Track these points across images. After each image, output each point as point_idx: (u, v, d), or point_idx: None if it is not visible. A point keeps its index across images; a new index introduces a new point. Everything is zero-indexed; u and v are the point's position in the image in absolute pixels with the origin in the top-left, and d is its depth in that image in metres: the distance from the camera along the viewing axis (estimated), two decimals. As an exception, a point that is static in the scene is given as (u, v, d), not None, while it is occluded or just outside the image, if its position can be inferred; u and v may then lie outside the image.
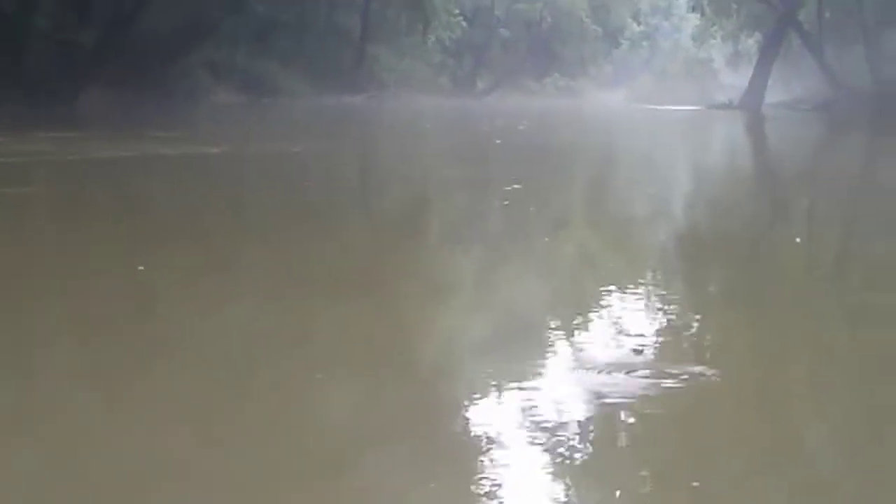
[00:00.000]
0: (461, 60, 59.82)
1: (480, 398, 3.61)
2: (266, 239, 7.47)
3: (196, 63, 33.91)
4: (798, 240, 8.29)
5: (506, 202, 9.79)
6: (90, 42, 27.30)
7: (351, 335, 4.55)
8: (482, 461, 2.98)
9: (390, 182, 13.08)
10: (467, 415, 3.46)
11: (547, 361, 4.12)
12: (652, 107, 47.99)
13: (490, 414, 3.44)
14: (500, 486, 2.80)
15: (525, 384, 3.70)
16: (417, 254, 7.31)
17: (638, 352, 4.18)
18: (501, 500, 2.73)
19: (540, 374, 3.91)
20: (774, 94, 47.75)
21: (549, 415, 3.38)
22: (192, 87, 32.95)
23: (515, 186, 10.92)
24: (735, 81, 52.79)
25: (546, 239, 7.94)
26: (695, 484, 2.91)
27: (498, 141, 20.77)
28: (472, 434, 3.26)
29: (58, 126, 18.52)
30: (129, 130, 19.12)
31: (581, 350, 4.31)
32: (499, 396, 3.59)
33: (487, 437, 3.17)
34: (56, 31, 26.35)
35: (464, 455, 3.07)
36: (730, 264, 6.89)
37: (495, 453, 3.04)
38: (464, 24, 55.73)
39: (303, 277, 5.89)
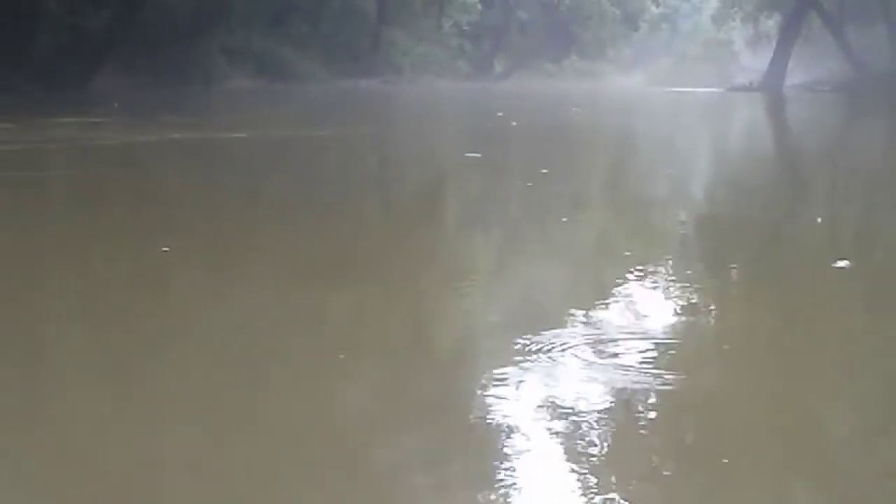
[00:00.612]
0: (478, 44, 59.39)
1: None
2: (295, 222, 7.40)
3: (210, 47, 33.66)
4: (819, 220, 8.17)
5: (529, 184, 9.76)
6: (102, 26, 27.00)
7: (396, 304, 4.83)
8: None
9: (415, 165, 12.92)
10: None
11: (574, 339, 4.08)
12: (672, 90, 47.51)
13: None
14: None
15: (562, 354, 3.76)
16: (447, 236, 7.36)
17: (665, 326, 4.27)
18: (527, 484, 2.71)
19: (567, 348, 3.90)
20: (795, 76, 47.24)
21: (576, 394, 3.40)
22: (206, 71, 32.69)
23: (543, 171, 10.70)
24: (755, 63, 52.26)
25: (564, 219, 7.85)
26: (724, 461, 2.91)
27: (514, 123, 20.48)
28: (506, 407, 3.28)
29: (70, 111, 18.37)
30: (142, 116, 18.95)
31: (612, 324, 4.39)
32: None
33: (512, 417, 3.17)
34: (67, 15, 26.07)
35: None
36: (752, 245, 6.78)
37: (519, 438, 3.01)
38: (480, 6, 55.27)
39: (340, 258, 5.96)
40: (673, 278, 5.50)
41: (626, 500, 2.57)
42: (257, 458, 2.89)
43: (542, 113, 24.94)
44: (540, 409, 3.24)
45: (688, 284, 5.33)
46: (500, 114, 22.62)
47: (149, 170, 11.29)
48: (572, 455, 2.89)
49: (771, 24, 53.40)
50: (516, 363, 3.69)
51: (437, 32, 49.86)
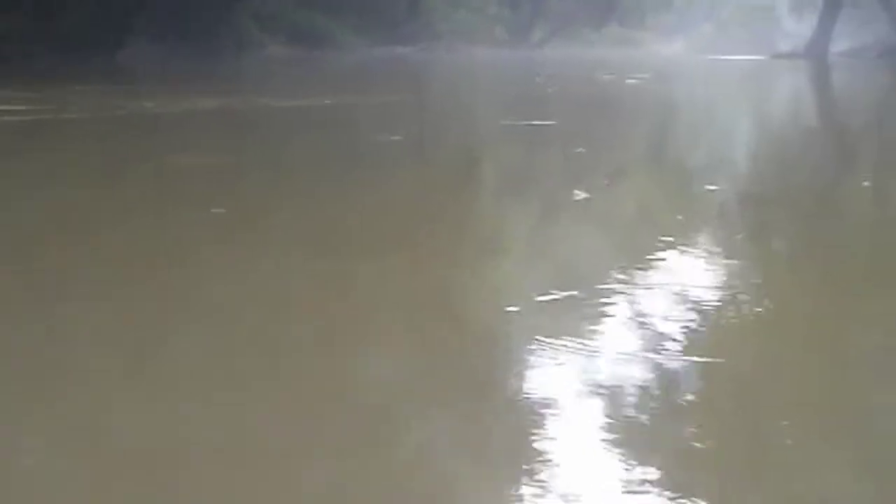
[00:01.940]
0: (517, 10, 58.79)
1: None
2: (330, 189, 7.30)
3: (242, 15, 33.32)
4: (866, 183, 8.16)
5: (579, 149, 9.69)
6: None
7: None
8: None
9: (454, 133, 12.60)
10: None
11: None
12: (713, 57, 46.78)
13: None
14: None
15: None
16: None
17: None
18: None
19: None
20: (840, 43, 46.37)
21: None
22: (238, 39, 32.34)
23: (579, 150, 10.37)
24: (799, 30, 51.44)
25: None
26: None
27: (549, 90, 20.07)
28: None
29: (97, 80, 18.17)
30: (174, 85, 18.73)
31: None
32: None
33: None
34: None
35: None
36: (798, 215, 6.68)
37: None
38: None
39: (378, 226, 5.95)
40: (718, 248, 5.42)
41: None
42: (280, 428, 2.88)
43: (595, 86, 24.42)
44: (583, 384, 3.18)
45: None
46: (537, 78, 22.23)
47: (180, 139, 11.05)
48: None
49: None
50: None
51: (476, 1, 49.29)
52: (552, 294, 4.23)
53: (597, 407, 3.00)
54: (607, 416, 2.92)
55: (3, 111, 12.49)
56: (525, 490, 2.47)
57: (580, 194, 7.21)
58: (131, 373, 3.36)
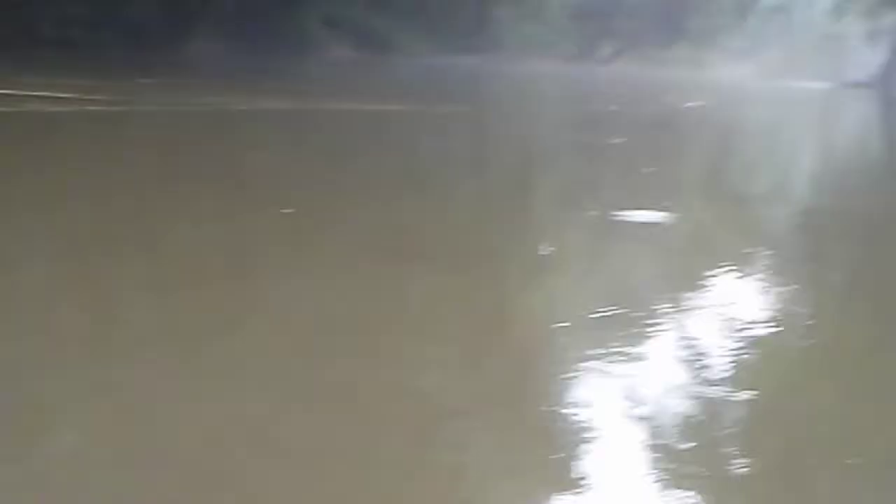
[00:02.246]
0: (584, 26, 58.51)
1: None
2: (392, 198, 7.33)
3: (310, 16, 33.40)
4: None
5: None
6: None
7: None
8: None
9: (518, 149, 12.49)
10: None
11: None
12: (782, 83, 46.14)
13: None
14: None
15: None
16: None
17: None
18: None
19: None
20: (913, 75, 45.48)
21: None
22: (304, 41, 32.42)
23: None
24: (871, 59, 50.59)
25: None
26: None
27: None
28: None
29: (163, 72, 18.31)
30: (242, 82, 18.82)
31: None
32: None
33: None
34: None
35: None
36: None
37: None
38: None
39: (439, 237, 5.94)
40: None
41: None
42: (319, 428, 2.93)
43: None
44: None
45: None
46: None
47: (245, 138, 11.08)
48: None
49: (890, 20, 51.59)
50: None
51: (544, 12, 49.07)
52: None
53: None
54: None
55: (70, 100, 12.61)
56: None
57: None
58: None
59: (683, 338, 4.03)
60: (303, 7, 32.66)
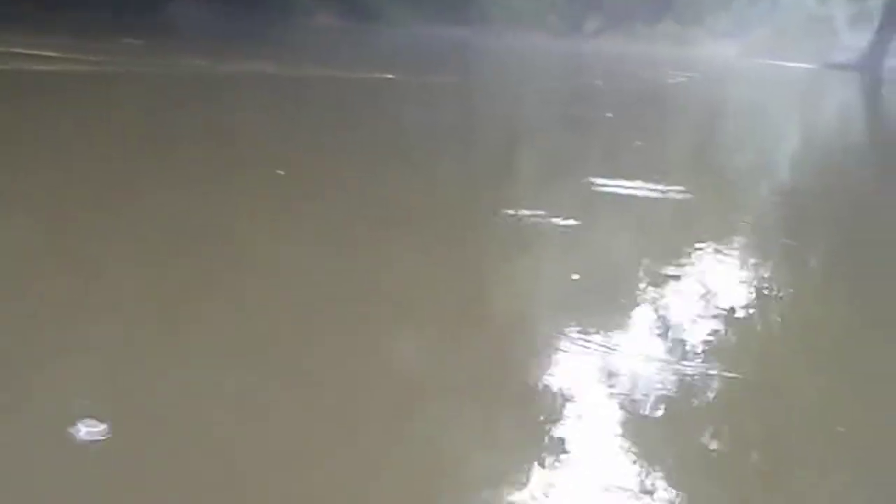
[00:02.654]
0: (572, 1, 58.33)
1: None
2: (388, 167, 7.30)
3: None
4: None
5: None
6: None
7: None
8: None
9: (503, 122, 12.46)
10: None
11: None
12: (766, 62, 46.18)
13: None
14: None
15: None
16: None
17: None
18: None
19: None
20: (897, 58, 45.56)
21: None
22: (289, 6, 32.11)
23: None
24: (856, 42, 50.63)
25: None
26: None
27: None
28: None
29: (146, 34, 18.14)
30: (225, 45, 18.69)
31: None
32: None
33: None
34: None
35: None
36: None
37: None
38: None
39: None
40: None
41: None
42: (302, 397, 2.93)
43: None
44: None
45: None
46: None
47: (230, 101, 11.01)
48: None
49: (875, 2, 51.63)
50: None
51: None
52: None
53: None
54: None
55: (53, 59, 12.49)
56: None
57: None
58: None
59: (660, 312, 4.05)
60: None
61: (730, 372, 3.38)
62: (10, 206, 5.03)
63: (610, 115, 13.63)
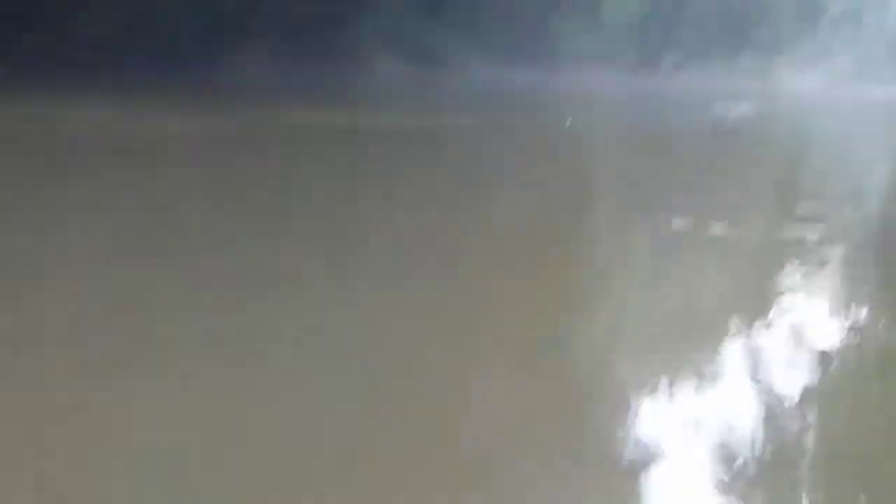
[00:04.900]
0: (647, 35, 57.54)
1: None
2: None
3: (360, 29, 32.69)
4: None
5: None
6: (238, 2, 25.55)
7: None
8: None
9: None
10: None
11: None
12: (853, 90, 44.82)
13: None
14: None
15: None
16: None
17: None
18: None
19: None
20: None
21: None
22: (355, 54, 31.67)
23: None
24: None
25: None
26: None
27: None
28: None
29: (207, 89, 17.75)
30: (291, 97, 18.23)
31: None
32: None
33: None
34: None
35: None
36: None
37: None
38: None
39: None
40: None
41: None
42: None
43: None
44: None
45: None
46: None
47: (295, 156, 10.58)
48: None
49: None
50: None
51: (605, 22, 48.03)
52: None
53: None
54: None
55: (102, 124, 12.05)
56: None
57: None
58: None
59: (750, 357, 3.98)
60: (352, 20, 32.01)
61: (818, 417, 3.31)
62: (66, 262, 5.18)
63: (683, 151, 13.00)
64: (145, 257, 5.41)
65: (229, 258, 5.44)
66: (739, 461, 2.93)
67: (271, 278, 5.08)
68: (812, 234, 6.72)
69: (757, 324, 4.44)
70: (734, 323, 4.47)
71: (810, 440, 3.17)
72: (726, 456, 2.97)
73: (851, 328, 4.49)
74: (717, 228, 6.86)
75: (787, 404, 3.43)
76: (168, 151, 10.36)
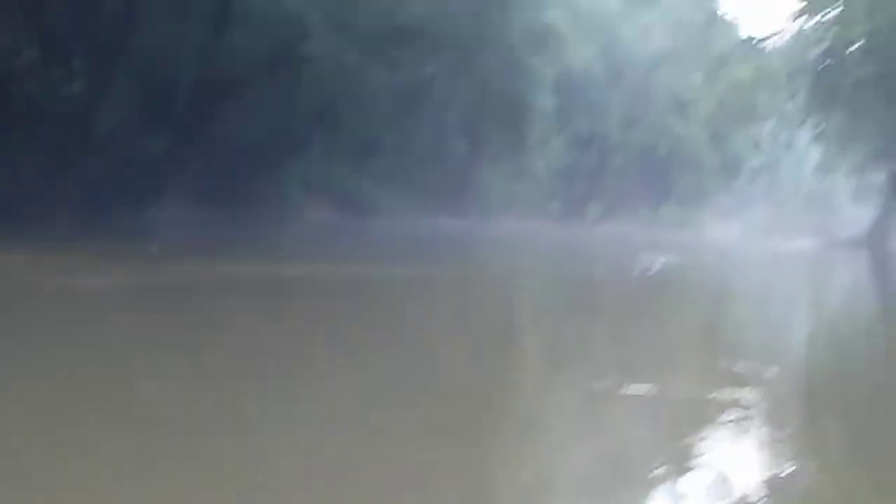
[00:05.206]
0: (572, 186, 58.71)
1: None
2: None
3: (286, 177, 32.97)
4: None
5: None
6: (161, 149, 25.50)
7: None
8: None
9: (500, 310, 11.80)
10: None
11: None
12: (771, 242, 45.98)
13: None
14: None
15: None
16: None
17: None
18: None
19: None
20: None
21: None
22: (281, 203, 31.93)
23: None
24: (859, 217, 50.55)
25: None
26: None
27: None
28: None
29: (127, 243, 17.64)
30: (218, 247, 18.14)
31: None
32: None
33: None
34: (120, 138, 24.65)
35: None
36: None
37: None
38: (575, 149, 54.68)
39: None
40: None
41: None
42: None
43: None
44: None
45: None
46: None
47: (221, 307, 10.39)
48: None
49: (877, 177, 51.70)
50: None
51: (530, 173, 48.96)
52: None
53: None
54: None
55: (20, 275, 11.79)
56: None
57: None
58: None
59: None
60: (280, 171, 32.33)
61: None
62: None
63: (610, 302, 13.15)
64: (59, 416, 5.23)
65: (160, 410, 5.38)
66: None
67: (181, 429, 4.99)
68: (738, 391, 6.63)
69: (678, 484, 4.38)
70: (654, 482, 4.41)
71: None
72: None
73: (772, 481, 4.50)
74: (639, 385, 6.74)
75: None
76: (88, 303, 10.13)
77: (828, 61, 39.39)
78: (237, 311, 10.18)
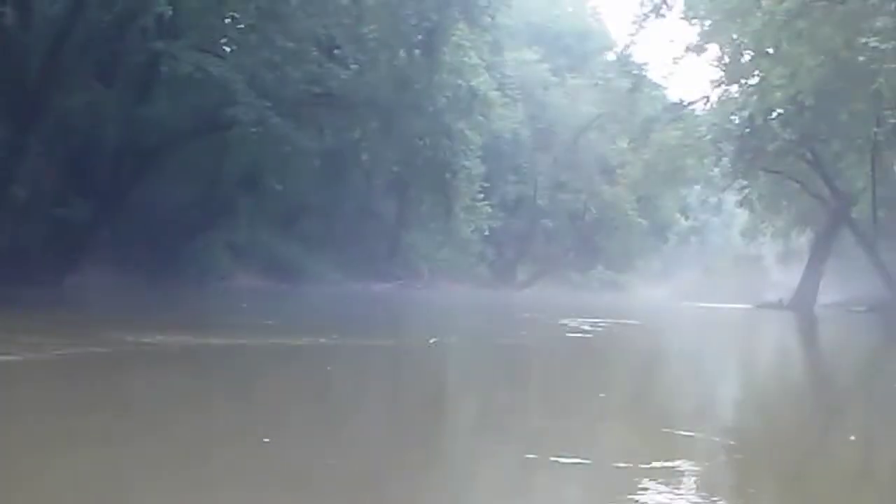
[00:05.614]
0: (502, 250, 58.84)
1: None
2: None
3: (214, 243, 32.64)
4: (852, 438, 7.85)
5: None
6: (85, 216, 25.14)
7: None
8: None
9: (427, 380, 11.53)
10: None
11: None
12: (700, 305, 46.35)
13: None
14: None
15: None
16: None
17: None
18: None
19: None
20: (828, 294, 46.02)
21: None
22: (206, 269, 31.51)
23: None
24: (786, 279, 51.29)
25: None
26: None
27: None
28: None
29: (44, 311, 17.07)
30: (139, 317, 17.64)
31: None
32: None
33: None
34: (42, 203, 24.24)
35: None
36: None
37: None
38: (504, 213, 54.81)
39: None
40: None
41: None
42: None
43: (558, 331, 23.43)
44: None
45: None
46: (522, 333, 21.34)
47: (141, 377, 10.02)
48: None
49: (803, 240, 52.52)
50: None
51: (459, 237, 48.96)
52: None
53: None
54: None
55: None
56: None
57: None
58: None
59: None
60: (206, 236, 31.91)
61: None
62: None
63: (539, 369, 12.95)
64: None
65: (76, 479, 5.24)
66: None
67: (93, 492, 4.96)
68: (673, 458, 6.44)
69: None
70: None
71: None
72: None
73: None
74: (567, 454, 6.51)
75: None
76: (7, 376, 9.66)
77: (749, 127, 39.97)
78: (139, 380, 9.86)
